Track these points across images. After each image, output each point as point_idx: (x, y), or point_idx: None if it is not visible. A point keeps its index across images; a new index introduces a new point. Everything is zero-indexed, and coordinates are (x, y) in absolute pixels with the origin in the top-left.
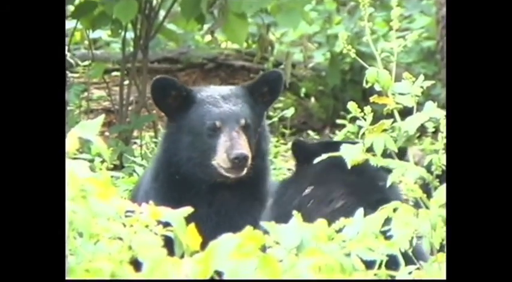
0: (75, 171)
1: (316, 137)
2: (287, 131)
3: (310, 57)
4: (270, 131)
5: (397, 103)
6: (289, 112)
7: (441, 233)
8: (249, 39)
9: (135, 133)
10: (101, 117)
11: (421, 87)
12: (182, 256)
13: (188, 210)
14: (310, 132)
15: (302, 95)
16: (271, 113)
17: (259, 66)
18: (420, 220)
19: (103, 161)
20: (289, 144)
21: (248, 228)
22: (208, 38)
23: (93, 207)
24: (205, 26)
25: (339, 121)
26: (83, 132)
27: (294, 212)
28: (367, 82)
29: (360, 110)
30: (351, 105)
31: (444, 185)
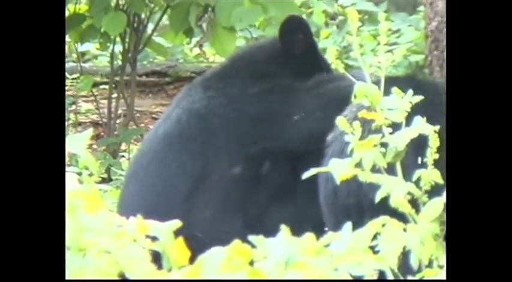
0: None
1: None
2: None
3: None
4: None
5: (385, 118)
6: None
7: (430, 248)
8: None
9: (123, 146)
10: (89, 131)
11: (410, 102)
12: (170, 270)
13: (177, 224)
14: None
15: None
16: None
17: None
18: (409, 235)
19: (91, 174)
20: None
21: (236, 242)
22: (196, 51)
23: (81, 221)
24: (194, 40)
25: None
26: (71, 146)
27: (282, 226)
28: (355, 97)
29: (348, 125)
30: (340, 121)
31: (433, 200)
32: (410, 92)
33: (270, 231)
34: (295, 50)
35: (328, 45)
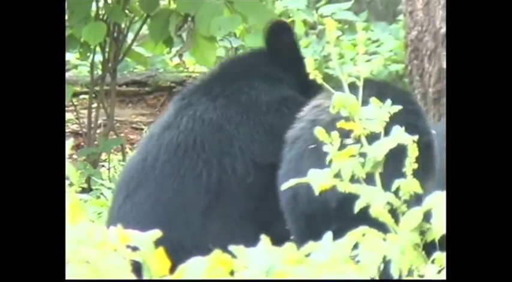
0: None
1: None
2: None
3: None
4: None
5: (364, 128)
6: None
7: (410, 258)
8: (217, 62)
9: (103, 156)
10: (70, 141)
11: (389, 112)
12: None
13: (157, 234)
14: None
15: None
16: None
17: None
18: (388, 245)
19: (71, 184)
20: None
21: (217, 252)
22: (176, 61)
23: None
24: (174, 49)
25: None
26: None
27: (262, 235)
28: (334, 107)
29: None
30: (318, 131)
31: (412, 210)
32: (389, 101)
33: (279, 240)
34: (281, 53)
35: (308, 54)
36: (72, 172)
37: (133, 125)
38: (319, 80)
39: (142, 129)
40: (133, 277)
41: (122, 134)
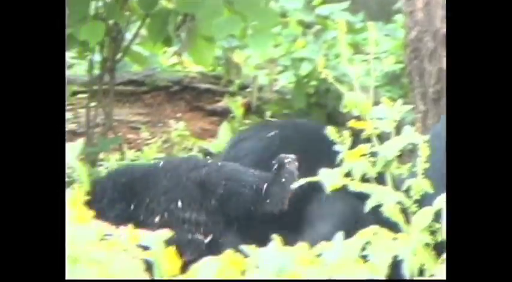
0: None
1: None
2: None
3: (275, 80)
4: None
5: (375, 128)
6: None
7: (421, 258)
8: (214, 62)
9: (101, 155)
10: (81, 141)
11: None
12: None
13: (167, 233)
14: None
15: (267, 117)
16: None
17: (225, 89)
18: (399, 245)
19: (80, 183)
20: None
21: (228, 252)
22: (174, 60)
23: (71, 230)
24: (169, 49)
25: None
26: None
27: (274, 236)
28: (345, 107)
29: (338, 135)
30: (329, 130)
31: (423, 210)
32: (400, 101)
33: None
34: None
35: (305, 54)
36: (84, 172)
37: (131, 125)
38: (330, 79)
39: (139, 128)
40: (146, 277)
41: (120, 133)
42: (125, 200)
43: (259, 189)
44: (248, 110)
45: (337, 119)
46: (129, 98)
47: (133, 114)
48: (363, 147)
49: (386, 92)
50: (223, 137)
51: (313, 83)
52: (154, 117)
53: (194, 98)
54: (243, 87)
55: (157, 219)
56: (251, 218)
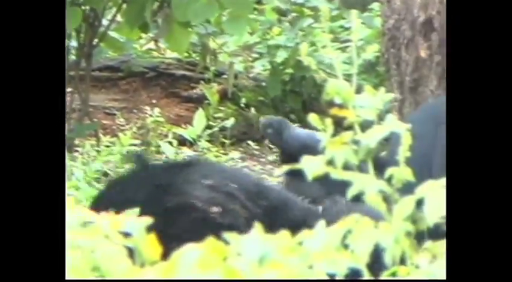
0: None
1: (256, 147)
2: (227, 141)
3: (251, 68)
4: (210, 141)
5: (357, 116)
6: (230, 122)
7: (403, 246)
8: (189, 49)
9: (77, 141)
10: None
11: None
12: (142, 266)
13: (148, 220)
14: (250, 142)
15: (242, 105)
16: (211, 123)
17: (201, 76)
18: (381, 233)
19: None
20: (231, 154)
21: (211, 239)
22: (150, 46)
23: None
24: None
25: None
26: None
27: (256, 223)
28: (328, 94)
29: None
30: (312, 117)
31: (404, 198)
32: (383, 89)
33: None
34: None
35: (281, 42)
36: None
37: (106, 111)
38: (313, 66)
39: (115, 114)
40: (129, 263)
41: (95, 119)
42: None
43: None
44: (223, 96)
45: (313, 107)
46: (104, 84)
47: (109, 100)
48: (346, 135)
49: (363, 80)
50: (198, 123)
51: (289, 70)
52: (130, 103)
53: (170, 84)
54: (218, 74)
55: None
56: None
